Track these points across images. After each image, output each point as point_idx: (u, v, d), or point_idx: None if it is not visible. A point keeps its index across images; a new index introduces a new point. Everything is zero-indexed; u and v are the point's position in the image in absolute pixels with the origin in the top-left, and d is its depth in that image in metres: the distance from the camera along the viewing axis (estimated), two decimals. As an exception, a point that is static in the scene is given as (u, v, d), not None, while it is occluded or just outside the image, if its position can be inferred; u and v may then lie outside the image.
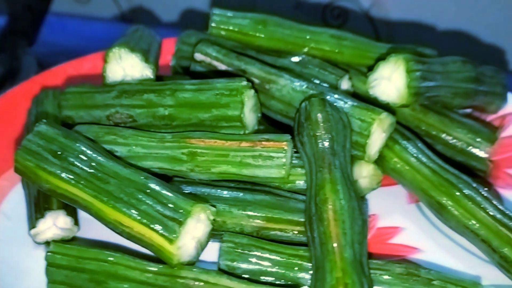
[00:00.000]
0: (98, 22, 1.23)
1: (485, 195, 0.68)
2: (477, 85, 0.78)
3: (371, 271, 0.62)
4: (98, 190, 0.62)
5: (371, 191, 0.75)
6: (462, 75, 0.76)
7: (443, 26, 1.12)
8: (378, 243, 0.71)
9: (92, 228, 0.68)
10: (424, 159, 0.72)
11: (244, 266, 0.64)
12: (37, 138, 0.65)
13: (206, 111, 0.68)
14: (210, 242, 0.65)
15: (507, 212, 0.67)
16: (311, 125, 0.67)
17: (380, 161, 0.73)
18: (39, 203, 0.67)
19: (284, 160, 0.65)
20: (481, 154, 0.76)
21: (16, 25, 1.12)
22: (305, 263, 0.63)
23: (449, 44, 1.12)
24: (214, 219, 0.65)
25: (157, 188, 0.62)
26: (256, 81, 0.74)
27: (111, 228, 0.63)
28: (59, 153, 0.64)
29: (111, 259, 0.62)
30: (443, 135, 0.77)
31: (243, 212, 0.66)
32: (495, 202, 0.68)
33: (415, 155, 0.72)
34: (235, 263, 0.64)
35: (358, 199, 0.63)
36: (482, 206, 0.67)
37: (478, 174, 0.77)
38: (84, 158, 0.64)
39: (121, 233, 0.63)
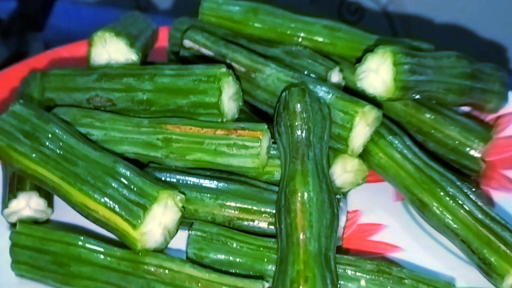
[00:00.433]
0: (108, 8, 1.23)
1: (469, 194, 0.66)
2: (472, 82, 0.75)
3: (341, 266, 0.60)
4: (66, 172, 0.62)
5: (355, 186, 0.73)
6: (456, 71, 0.74)
7: (461, 23, 1.09)
8: (357, 239, 0.69)
9: (68, 212, 0.67)
10: (409, 155, 0.69)
11: (212, 255, 0.62)
12: (11, 118, 0.65)
13: (184, 97, 0.67)
14: (184, 231, 0.64)
15: (490, 213, 0.64)
16: (289, 115, 0.65)
17: (365, 156, 0.71)
18: (13, 184, 0.67)
19: (258, 149, 0.64)
20: (474, 153, 0.73)
21: (25, 9, 1.12)
22: (273, 255, 0.61)
23: (465, 41, 1.09)
24: (185, 207, 0.64)
25: (125, 172, 0.61)
26: (242, 69, 0.72)
27: (78, 211, 0.63)
28: (30, 133, 0.64)
29: (75, 242, 0.61)
30: (435, 132, 0.74)
31: (215, 201, 0.65)
32: (479, 203, 0.65)
33: (400, 150, 0.70)
34: (203, 252, 0.62)
35: (330, 192, 0.61)
36: (464, 205, 0.65)
37: (470, 174, 0.74)
38: (55, 139, 0.64)
39: (87, 216, 0.62)
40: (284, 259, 0.58)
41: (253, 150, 0.64)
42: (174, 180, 0.66)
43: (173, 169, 0.67)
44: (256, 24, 0.78)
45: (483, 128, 0.75)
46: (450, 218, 0.65)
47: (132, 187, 0.60)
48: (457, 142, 0.73)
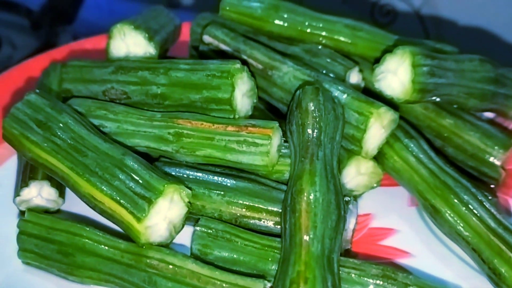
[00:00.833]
0: (139, 3, 1.23)
1: (483, 202, 0.64)
2: (496, 87, 0.73)
3: (345, 270, 0.59)
4: (75, 162, 0.62)
5: (369, 189, 0.71)
6: (478, 75, 0.72)
7: (494, 29, 1.07)
8: (367, 243, 0.68)
9: (79, 203, 0.67)
10: (424, 160, 0.68)
11: (216, 252, 0.62)
12: (26, 107, 0.66)
13: (197, 92, 0.67)
14: (190, 227, 0.64)
15: (503, 222, 0.62)
16: (301, 113, 0.64)
17: (380, 159, 0.70)
18: (26, 173, 0.68)
19: (268, 147, 0.63)
20: (494, 160, 0.71)
21: (56, 2, 1.14)
22: (278, 255, 0.60)
23: (497, 47, 1.06)
24: (192, 203, 0.63)
25: (132, 165, 0.61)
26: (260, 66, 0.72)
27: (85, 202, 0.63)
28: (43, 123, 0.64)
29: (81, 232, 0.62)
30: (455, 137, 0.72)
31: (223, 198, 0.64)
32: (493, 211, 0.63)
33: (415, 154, 0.68)
34: (207, 249, 0.62)
35: (337, 193, 0.60)
36: (477, 213, 0.63)
37: (489, 182, 0.72)
38: (67, 129, 0.64)
39: (94, 207, 0.62)
40: (286, 259, 0.57)
41: (262, 147, 0.63)
42: (183, 175, 0.66)
43: (184, 164, 0.67)
44: (276, 21, 0.77)
45: (505, 135, 0.72)
46: (462, 225, 0.63)
47: (139, 180, 0.60)
48: (476, 148, 0.71)
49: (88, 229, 0.62)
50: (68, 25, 1.13)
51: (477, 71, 0.72)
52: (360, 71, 0.76)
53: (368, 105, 0.66)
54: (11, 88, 0.82)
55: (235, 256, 0.61)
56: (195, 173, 0.66)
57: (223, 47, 0.75)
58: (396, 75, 0.68)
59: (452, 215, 0.64)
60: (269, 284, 0.58)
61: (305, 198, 0.59)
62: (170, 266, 0.59)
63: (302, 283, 0.55)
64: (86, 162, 0.62)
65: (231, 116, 0.66)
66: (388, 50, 0.73)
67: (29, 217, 0.64)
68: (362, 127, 0.65)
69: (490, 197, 0.66)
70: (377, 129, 0.67)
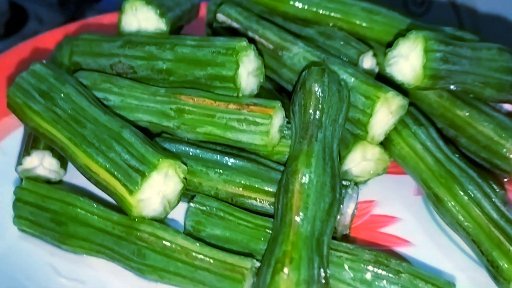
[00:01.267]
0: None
1: (488, 193, 0.62)
2: (515, 77, 0.70)
3: (337, 253, 0.58)
4: (73, 133, 0.62)
5: (375, 176, 0.70)
6: (496, 64, 0.69)
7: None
8: (367, 230, 0.66)
9: (81, 175, 0.68)
10: (431, 148, 0.66)
11: (209, 230, 0.61)
12: (30, 76, 0.66)
13: (201, 68, 0.66)
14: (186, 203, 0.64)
15: (506, 214, 0.60)
16: (304, 94, 0.63)
17: (387, 145, 0.68)
18: (29, 142, 0.68)
19: (268, 127, 0.62)
20: (506, 152, 0.68)
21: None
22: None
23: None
24: (189, 179, 0.63)
25: (130, 138, 0.61)
26: (271, 46, 0.71)
27: (82, 173, 0.63)
28: (46, 93, 0.64)
29: (74, 202, 0.62)
30: (468, 128, 0.70)
31: (220, 176, 0.64)
32: (497, 203, 0.61)
33: (423, 142, 0.66)
34: (200, 226, 0.61)
35: (334, 176, 0.59)
36: (479, 204, 0.61)
37: (500, 174, 0.70)
38: (68, 100, 0.64)
39: (89, 178, 0.62)
40: (275, 239, 0.56)
41: (262, 127, 0.62)
42: (183, 152, 0.65)
43: (184, 141, 0.66)
44: (291, 2, 0.76)
45: (521, 128, 0.70)
46: (463, 215, 0.61)
47: (134, 153, 0.60)
48: (490, 139, 0.69)
49: (82, 199, 0.62)
50: (95, 3, 1.14)
51: (495, 60, 0.69)
52: (375, 55, 0.74)
53: (376, 89, 0.64)
54: (26, 60, 0.82)
55: (227, 234, 0.61)
56: (195, 150, 0.65)
57: (236, 25, 0.74)
58: (408, 60, 0.66)
59: (454, 204, 0.62)
60: (257, 263, 0.57)
61: (299, 178, 0.58)
62: (160, 240, 0.59)
63: (287, 262, 0.54)
64: (85, 133, 0.62)
65: (235, 94, 0.65)
66: (402, 34, 0.71)
67: (26, 185, 0.64)
68: (368, 111, 0.64)
69: (497, 190, 0.63)
70: (384, 114, 0.65)
